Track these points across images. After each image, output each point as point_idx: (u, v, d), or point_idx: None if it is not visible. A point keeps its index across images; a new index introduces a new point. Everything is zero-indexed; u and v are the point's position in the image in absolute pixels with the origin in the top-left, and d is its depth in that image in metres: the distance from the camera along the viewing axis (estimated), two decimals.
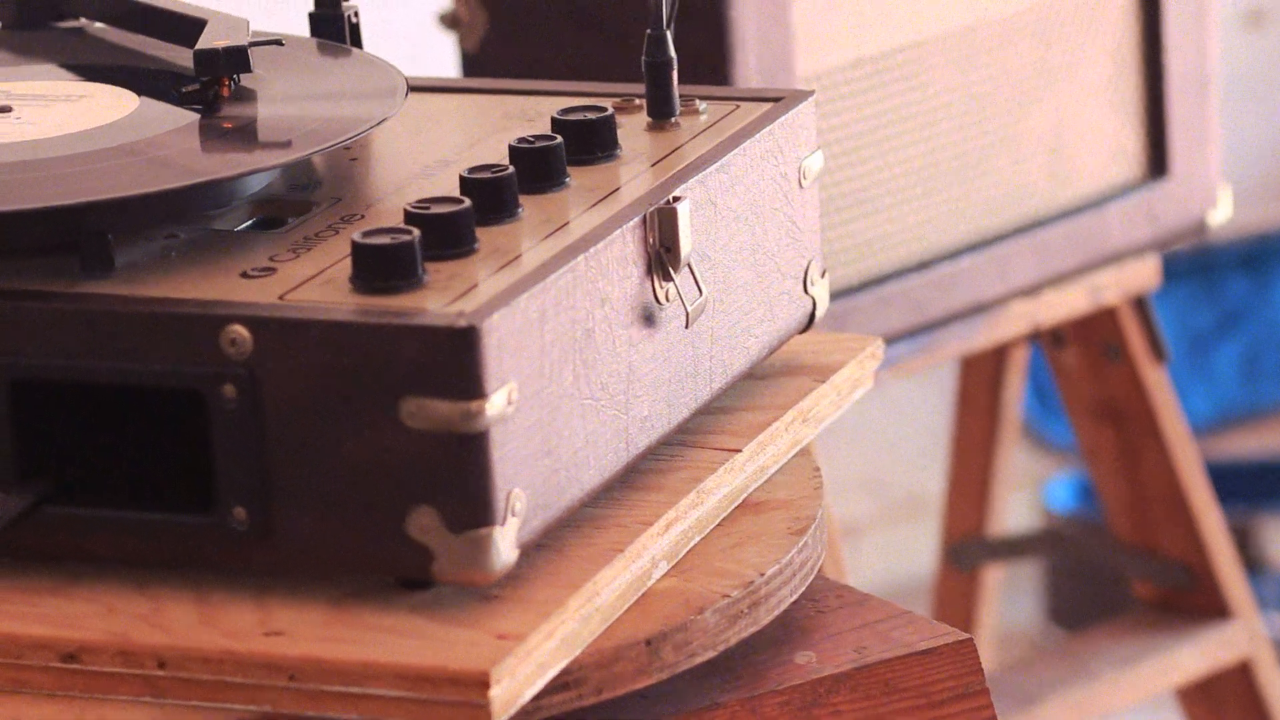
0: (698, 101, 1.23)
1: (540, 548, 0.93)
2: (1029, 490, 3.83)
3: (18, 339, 0.87)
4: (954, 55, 2.30)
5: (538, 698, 0.82)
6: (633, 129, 1.17)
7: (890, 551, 3.85)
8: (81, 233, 0.84)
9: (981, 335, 2.26)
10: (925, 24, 2.25)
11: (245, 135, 1.01)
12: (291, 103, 1.13)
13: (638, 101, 1.21)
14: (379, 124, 1.06)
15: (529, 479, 0.88)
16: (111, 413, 0.94)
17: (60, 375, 0.90)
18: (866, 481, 3.87)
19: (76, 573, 0.94)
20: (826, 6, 2.19)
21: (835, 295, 1.34)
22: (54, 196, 0.91)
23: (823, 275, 1.27)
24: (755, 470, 1.11)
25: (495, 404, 0.81)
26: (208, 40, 1.06)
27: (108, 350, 0.86)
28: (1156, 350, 2.51)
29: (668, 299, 1.01)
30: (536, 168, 1.02)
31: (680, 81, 1.20)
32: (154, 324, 0.85)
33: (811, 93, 1.28)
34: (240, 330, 0.81)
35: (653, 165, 1.10)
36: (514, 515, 0.86)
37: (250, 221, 0.95)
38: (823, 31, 2.19)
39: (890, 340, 1.74)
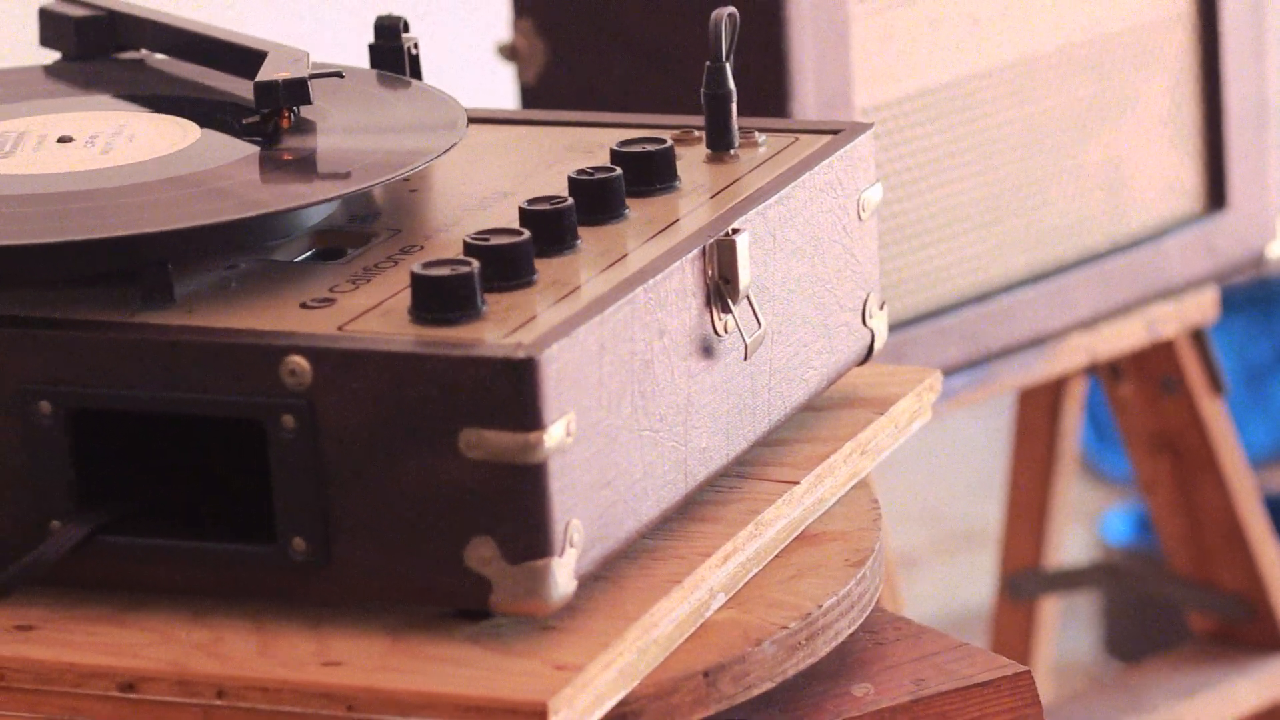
0: (757, 134, 1.22)
1: (598, 579, 0.92)
2: (1086, 522, 3.80)
3: (78, 368, 0.87)
4: (1012, 87, 2.29)
5: None
6: (692, 161, 1.17)
7: (948, 583, 3.83)
8: (142, 263, 0.83)
9: (1039, 367, 2.24)
10: (983, 56, 2.24)
11: (305, 167, 1.01)
12: (351, 135, 1.13)
13: (697, 133, 1.21)
14: (439, 156, 1.05)
15: (587, 510, 0.87)
16: (171, 443, 0.94)
17: (120, 405, 0.89)
18: (924, 513, 3.85)
19: (134, 602, 0.93)
20: (885, 39, 2.18)
21: (893, 327, 1.32)
22: (115, 227, 0.91)
23: (881, 307, 1.26)
24: (813, 502, 1.11)
25: (554, 435, 0.81)
26: (268, 72, 1.06)
27: (167, 380, 0.86)
28: (1214, 382, 2.49)
29: (726, 331, 1.01)
30: (595, 199, 1.02)
31: (739, 113, 1.19)
32: (214, 354, 0.84)
33: (870, 125, 1.27)
34: (300, 361, 0.80)
35: (712, 197, 1.09)
36: (572, 546, 0.85)
37: (310, 253, 0.95)
38: (881, 64, 2.19)
39: (948, 372, 1.73)
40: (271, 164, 1.00)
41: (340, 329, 0.80)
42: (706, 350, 0.99)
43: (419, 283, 0.84)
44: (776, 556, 1.01)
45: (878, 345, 1.24)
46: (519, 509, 0.82)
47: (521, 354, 0.74)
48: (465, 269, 0.79)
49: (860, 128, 1.25)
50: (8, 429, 0.90)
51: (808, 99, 2.08)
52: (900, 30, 2.23)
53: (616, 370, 0.87)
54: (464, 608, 0.86)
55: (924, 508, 3.67)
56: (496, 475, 0.82)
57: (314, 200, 0.96)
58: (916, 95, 2.23)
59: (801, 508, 1.07)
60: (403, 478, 0.84)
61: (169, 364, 0.86)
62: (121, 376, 0.87)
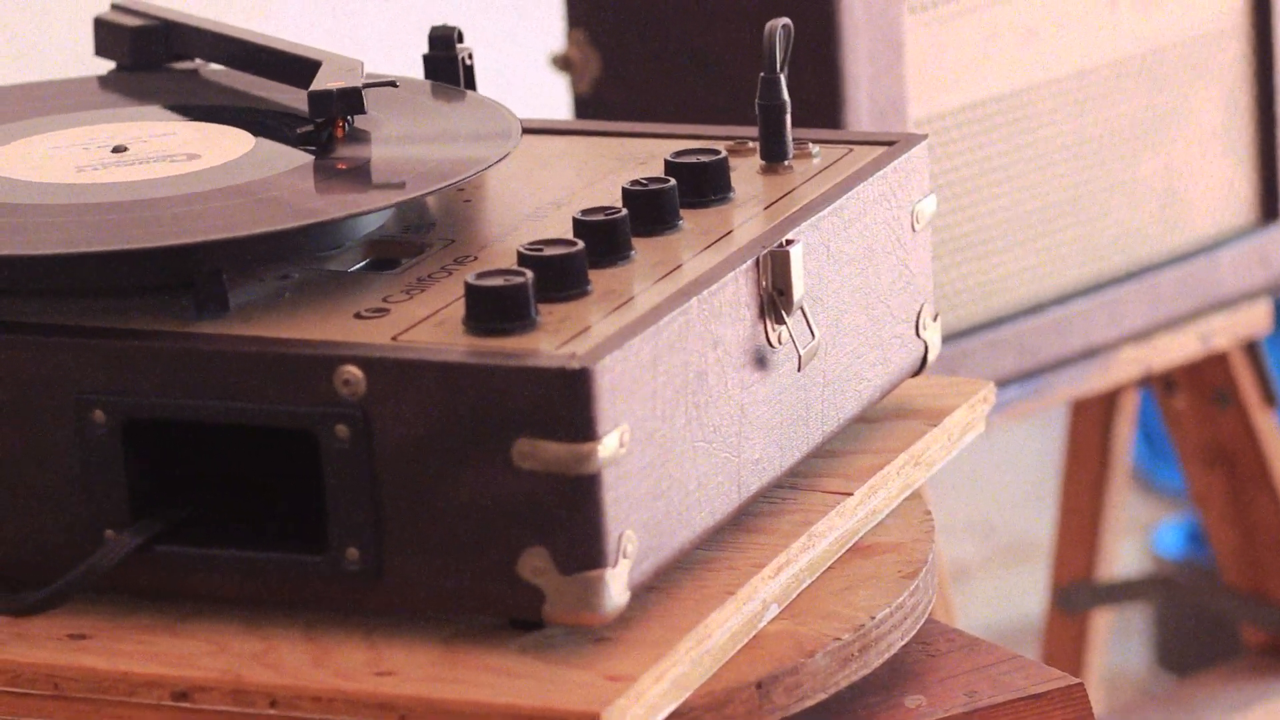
0: (811, 144, 1.21)
1: (651, 589, 0.92)
2: (1138, 535, 3.78)
3: (132, 378, 0.87)
4: (1065, 100, 2.28)
5: None
6: (746, 172, 1.16)
7: (1000, 595, 3.81)
8: (196, 273, 0.83)
9: (1092, 380, 2.23)
10: (1037, 68, 2.23)
11: (359, 176, 1.01)
12: (405, 144, 1.13)
13: (751, 144, 1.20)
14: (492, 166, 1.05)
15: (641, 521, 0.86)
16: (224, 452, 0.94)
17: (173, 414, 0.89)
18: (977, 525, 3.84)
19: (188, 611, 0.93)
20: (939, 51, 2.17)
21: (947, 338, 1.32)
22: (169, 236, 0.91)
23: (935, 319, 1.25)
24: (867, 513, 1.10)
25: (608, 446, 0.80)
26: (322, 82, 1.06)
27: (221, 390, 0.86)
28: (1268, 395, 2.47)
29: (780, 342, 1.00)
30: (649, 210, 1.01)
31: (793, 124, 1.19)
32: (267, 364, 0.84)
33: (925, 136, 1.27)
34: (354, 371, 0.80)
35: (766, 208, 1.09)
36: (625, 557, 0.84)
37: (364, 262, 0.95)
38: (935, 75, 2.18)
39: (1002, 384, 1.72)
40: (325, 173, 1.00)
41: (394, 339, 0.80)
42: (760, 361, 0.98)
43: (473, 293, 0.83)
44: (829, 568, 1.00)
45: (931, 357, 1.24)
46: (572, 520, 0.81)
47: (576, 365, 0.73)
48: (519, 279, 0.79)
49: (914, 139, 1.24)
50: (63, 438, 0.90)
51: (862, 110, 2.08)
52: (955, 42, 2.22)
53: (670, 381, 0.87)
54: (517, 618, 0.86)
55: (977, 519, 3.65)
56: (550, 486, 0.81)
57: (367, 209, 0.96)
58: (971, 107, 2.22)
59: (855, 519, 1.06)
60: (456, 488, 0.84)
61: (223, 374, 0.86)
62: (175, 386, 0.87)
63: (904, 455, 1.16)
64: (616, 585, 0.84)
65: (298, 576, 0.91)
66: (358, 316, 0.84)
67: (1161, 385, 2.35)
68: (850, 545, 1.05)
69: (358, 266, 0.95)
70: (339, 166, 1.01)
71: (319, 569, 0.89)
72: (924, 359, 1.24)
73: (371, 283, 0.92)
